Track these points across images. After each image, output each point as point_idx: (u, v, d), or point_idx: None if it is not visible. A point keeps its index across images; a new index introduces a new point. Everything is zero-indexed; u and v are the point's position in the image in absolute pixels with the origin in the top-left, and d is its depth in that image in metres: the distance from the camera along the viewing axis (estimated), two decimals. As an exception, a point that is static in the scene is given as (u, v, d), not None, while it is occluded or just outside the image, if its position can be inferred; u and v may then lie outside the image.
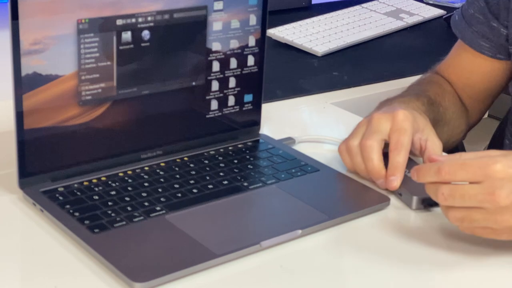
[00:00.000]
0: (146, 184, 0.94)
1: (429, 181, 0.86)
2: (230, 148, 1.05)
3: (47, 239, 0.85)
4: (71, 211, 0.87)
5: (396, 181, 0.96)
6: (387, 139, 0.98)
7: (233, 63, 1.05)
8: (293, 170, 1.00)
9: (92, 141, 0.95)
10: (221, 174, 0.98)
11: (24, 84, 0.88)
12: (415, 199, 0.94)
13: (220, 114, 1.06)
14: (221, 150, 1.04)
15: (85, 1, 0.90)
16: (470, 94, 1.25)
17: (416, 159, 1.03)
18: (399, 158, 0.96)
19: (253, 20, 1.05)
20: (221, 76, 1.04)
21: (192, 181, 0.95)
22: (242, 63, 1.06)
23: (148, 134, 1.00)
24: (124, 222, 0.86)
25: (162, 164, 0.99)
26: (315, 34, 1.57)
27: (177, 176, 0.96)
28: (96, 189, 0.92)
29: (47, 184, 0.92)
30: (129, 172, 0.96)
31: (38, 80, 0.89)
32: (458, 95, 1.24)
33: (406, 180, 0.97)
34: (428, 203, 0.94)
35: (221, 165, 1.00)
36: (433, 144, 1.00)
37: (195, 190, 0.94)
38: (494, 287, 0.83)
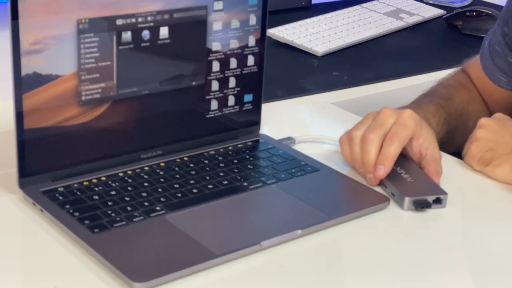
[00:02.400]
0: (146, 184, 0.94)
1: None
2: (230, 148, 1.05)
3: (47, 239, 0.85)
4: (71, 211, 0.87)
5: (382, 171, 0.97)
6: None
7: (233, 63, 1.05)
8: (293, 170, 1.00)
9: (92, 141, 0.95)
10: (221, 174, 0.98)
11: (24, 84, 0.88)
12: (406, 200, 0.94)
13: (220, 114, 1.06)
14: (221, 150, 1.04)
15: (85, 1, 0.90)
16: (495, 107, 1.24)
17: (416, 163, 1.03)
18: (390, 149, 0.97)
19: (253, 20, 1.05)
20: (221, 76, 1.04)
21: (192, 181, 0.95)
22: (242, 63, 1.06)
23: (148, 134, 1.00)
24: (124, 222, 0.86)
25: (162, 164, 0.99)
26: (315, 34, 1.57)
27: (177, 176, 0.96)
28: (96, 189, 0.92)
29: (47, 184, 0.92)
30: (129, 172, 0.96)
31: (38, 80, 0.89)
32: (484, 101, 1.24)
33: (400, 180, 0.97)
34: (419, 205, 0.94)
35: (221, 165, 1.00)
36: (434, 152, 1.00)
37: (195, 190, 0.94)
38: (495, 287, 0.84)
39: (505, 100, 1.23)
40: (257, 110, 1.09)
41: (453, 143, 1.15)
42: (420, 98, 1.18)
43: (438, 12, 1.80)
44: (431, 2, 1.88)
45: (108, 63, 0.94)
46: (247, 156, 1.03)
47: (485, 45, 1.23)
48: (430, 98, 1.17)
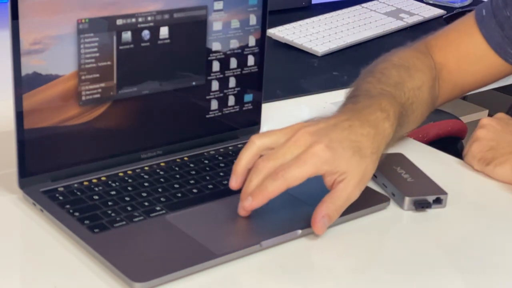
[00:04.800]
0: (146, 184, 0.94)
1: None
2: (230, 148, 1.05)
3: (47, 239, 0.85)
4: (71, 211, 0.87)
5: (248, 203, 0.86)
6: None
7: (233, 63, 1.05)
8: (293, 170, 1.00)
9: (92, 141, 0.95)
10: (221, 174, 0.98)
11: (24, 84, 0.88)
12: (406, 200, 0.94)
13: (220, 114, 1.06)
14: (221, 150, 1.04)
15: (85, 1, 0.90)
16: (457, 79, 1.16)
17: (417, 165, 1.03)
18: (269, 185, 0.85)
19: (253, 20, 1.05)
20: (221, 76, 1.04)
21: (192, 181, 0.95)
22: (242, 63, 1.06)
23: (148, 134, 1.00)
24: (124, 222, 0.86)
25: (162, 164, 0.99)
26: (315, 34, 1.57)
27: (177, 176, 0.96)
28: (96, 189, 0.92)
29: (47, 184, 0.92)
30: (129, 172, 0.96)
31: (38, 80, 0.89)
32: (437, 78, 1.13)
33: (400, 180, 0.97)
34: (419, 205, 0.94)
35: (221, 165, 1.00)
36: (340, 192, 0.87)
37: (195, 190, 0.94)
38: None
39: (479, 75, 1.16)
40: (257, 110, 1.09)
41: (400, 135, 1.03)
42: (368, 86, 1.04)
43: (438, 12, 1.80)
44: (431, 2, 1.88)
45: (108, 63, 0.94)
46: (247, 156, 1.03)
47: (484, 14, 1.15)
48: (380, 87, 1.02)
